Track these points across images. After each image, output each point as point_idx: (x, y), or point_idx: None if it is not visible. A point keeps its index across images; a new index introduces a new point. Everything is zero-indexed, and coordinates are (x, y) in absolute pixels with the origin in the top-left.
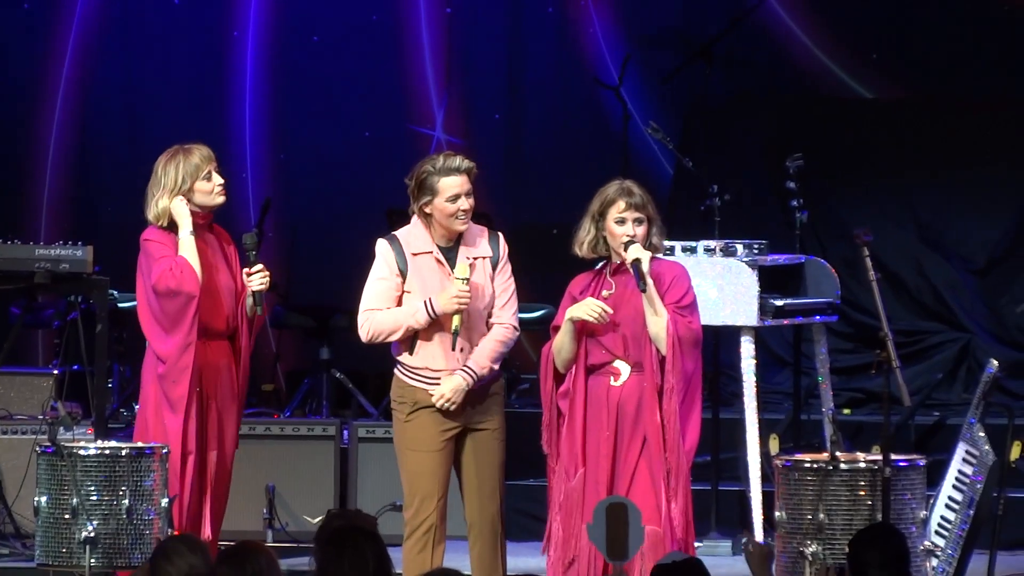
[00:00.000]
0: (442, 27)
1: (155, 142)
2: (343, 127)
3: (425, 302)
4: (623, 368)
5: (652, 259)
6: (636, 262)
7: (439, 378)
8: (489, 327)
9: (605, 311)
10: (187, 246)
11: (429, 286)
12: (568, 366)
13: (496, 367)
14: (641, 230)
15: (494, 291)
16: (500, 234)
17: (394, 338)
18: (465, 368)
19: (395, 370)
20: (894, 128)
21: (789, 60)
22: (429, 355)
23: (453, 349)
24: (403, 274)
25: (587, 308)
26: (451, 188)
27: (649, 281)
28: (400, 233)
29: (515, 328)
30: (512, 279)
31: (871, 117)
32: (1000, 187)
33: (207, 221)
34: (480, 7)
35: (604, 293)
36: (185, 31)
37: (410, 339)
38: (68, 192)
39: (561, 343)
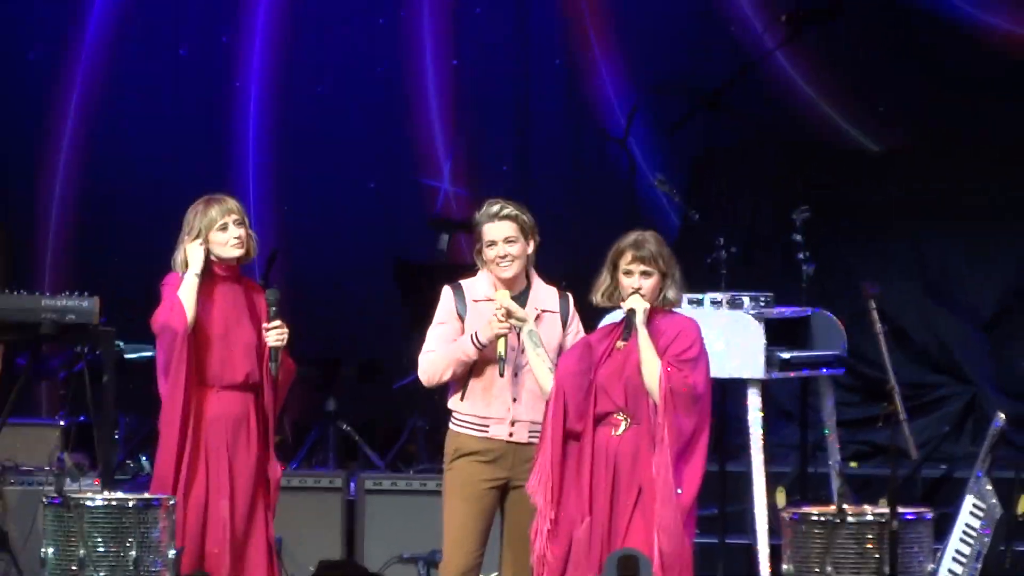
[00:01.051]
0: (448, 78)
1: (157, 193)
2: (348, 179)
3: (471, 334)
4: (623, 420)
5: (662, 313)
6: (630, 312)
7: (487, 426)
8: None
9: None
10: (186, 287)
11: None
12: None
13: None
14: (649, 283)
15: (562, 347)
16: (570, 295)
17: (447, 376)
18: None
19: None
20: (900, 180)
21: (795, 111)
22: (478, 402)
23: (501, 375)
24: (462, 319)
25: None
26: (489, 233)
27: (642, 331)
28: (465, 281)
29: None
30: (582, 331)
31: (878, 169)
32: (1006, 239)
33: (232, 274)
34: (487, 59)
35: (619, 344)
36: (188, 81)
37: (462, 386)
38: (71, 243)
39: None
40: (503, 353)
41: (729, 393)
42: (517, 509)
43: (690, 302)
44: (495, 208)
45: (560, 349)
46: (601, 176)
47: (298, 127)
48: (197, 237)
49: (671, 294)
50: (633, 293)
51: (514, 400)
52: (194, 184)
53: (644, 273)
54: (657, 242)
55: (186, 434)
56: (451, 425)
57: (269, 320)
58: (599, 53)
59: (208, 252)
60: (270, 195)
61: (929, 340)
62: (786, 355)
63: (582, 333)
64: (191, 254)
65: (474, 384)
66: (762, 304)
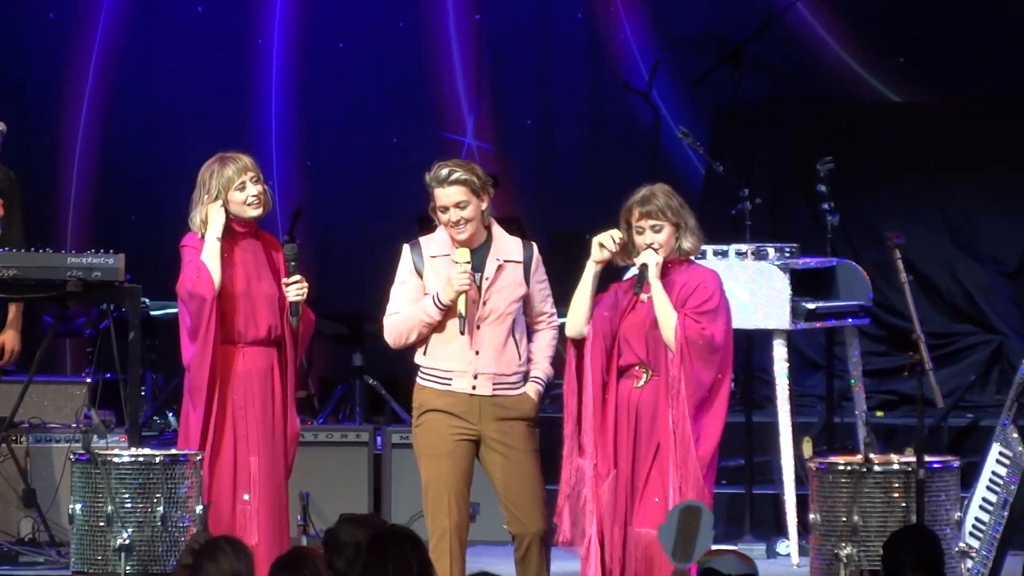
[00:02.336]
0: (471, 33)
1: (179, 151)
2: (371, 134)
3: (433, 295)
4: (644, 372)
5: (681, 264)
6: (642, 267)
7: (450, 379)
8: (524, 332)
9: (614, 239)
10: (209, 250)
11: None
12: (579, 330)
13: (552, 368)
14: (661, 236)
15: (528, 296)
16: (534, 244)
17: (413, 337)
18: (535, 379)
19: None
20: (924, 131)
21: (818, 63)
22: (440, 355)
23: (461, 332)
24: (421, 275)
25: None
26: (440, 199)
27: (656, 284)
28: (423, 238)
29: (556, 316)
30: (546, 280)
31: (901, 120)
32: None
33: (250, 229)
34: (509, 13)
35: (643, 297)
36: (209, 39)
37: (425, 341)
38: (94, 200)
39: (578, 296)
40: (463, 311)
41: (755, 344)
42: (499, 469)
43: (715, 253)
44: (444, 172)
45: (525, 299)
46: (624, 129)
47: (320, 83)
48: (216, 199)
49: (687, 244)
50: (647, 249)
51: (476, 353)
52: (216, 141)
53: (654, 228)
54: (665, 194)
55: (213, 393)
56: (417, 379)
57: (288, 275)
58: (621, 7)
59: (227, 210)
60: (293, 151)
61: (954, 289)
62: (811, 305)
63: (545, 277)
64: (212, 217)
65: (436, 338)
66: (787, 255)
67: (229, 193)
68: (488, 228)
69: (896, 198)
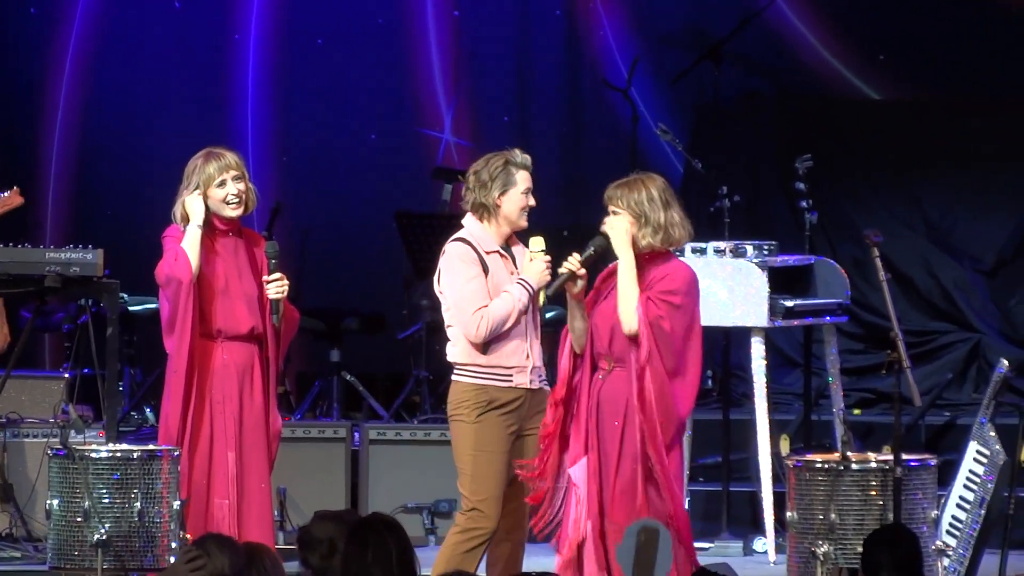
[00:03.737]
0: (450, 30)
1: (157, 145)
2: (349, 130)
3: (523, 284)
4: (608, 363)
5: (659, 257)
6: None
7: (511, 375)
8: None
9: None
10: (190, 238)
11: (497, 284)
12: (581, 344)
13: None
14: (618, 223)
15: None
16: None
17: (508, 326)
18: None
19: (455, 376)
20: (903, 129)
21: (797, 61)
22: (501, 353)
23: (543, 318)
24: (487, 272)
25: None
26: (525, 181)
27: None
28: (464, 234)
29: None
30: None
31: (880, 118)
32: (1008, 188)
33: (232, 227)
34: (488, 10)
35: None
36: (187, 35)
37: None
38: (72, 196)
39: (570, 318)
40: (544, 299)
41: (733, 341)
42: (518, 455)
43: (694, 251)
44: (527, 157)
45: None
46: (603, 126)
47: (298, 79)
48: (196, 190)
49: (644, 240)
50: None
51: (531, 347)
52: (194, 137)
53: (613, 213)
54: (629, 186)
55: (192, 385)
56: (468, 378)
57: (269, 273)
58: (600, 4)
59: (207, 205)
60: (269, 147)
61: (932, 288)
62: (789, 303)
63: None
64: (191, 207)
65: (495, 338)
66: (765, 252)
67: (209, 190)
68: None
69: (875, 196)
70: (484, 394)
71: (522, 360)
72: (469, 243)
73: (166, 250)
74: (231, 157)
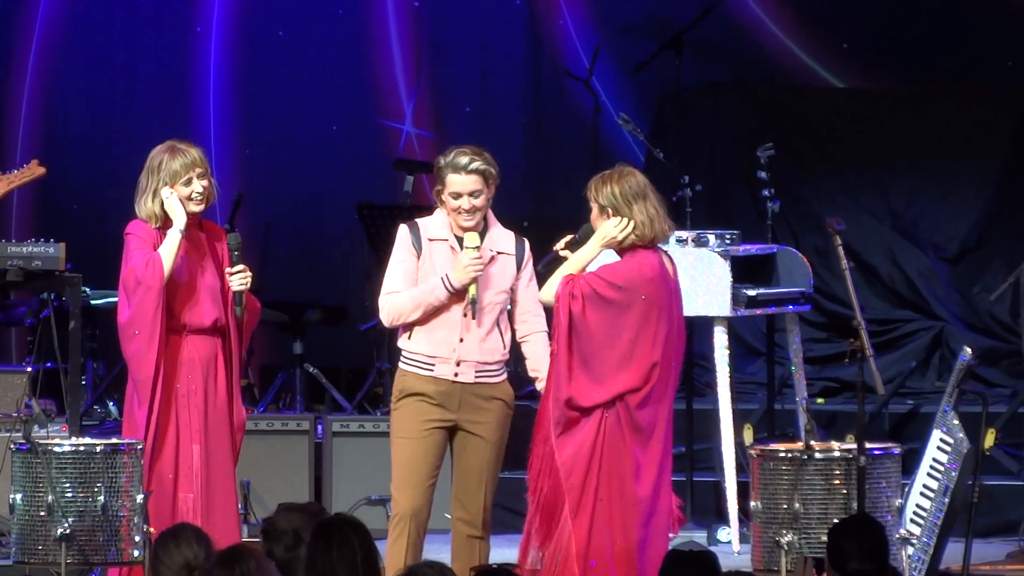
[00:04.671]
0: (410, 20)
1: (120, 139)
2: (311, 122)
3: (442, 277)
4: None
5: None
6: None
7: (433, 364)
8: (508, 322)
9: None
10: (171, 245)
11: (439, 272)
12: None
13: None
14: (609, 225)
15: (514, 290)
16: (526, 240)
17: (414, 317)
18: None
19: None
20: (866, 117)
21: (760, 49)
22: (424, 341)
23: (474, 317)
24: (419, 256)
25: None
26: (453, 185)
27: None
28: (421, 220)
29: (543, 320)
30: (536, 280)
31: (843, 106)
32: (971, 176)
33: (192, 220)
34: (448, 0)
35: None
36: (150, 27)
37: (410, 325)
38: (35, 189)
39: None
40: (474, 295)
41: (696, 331)
42: (466, 453)
43: None
44: (464, 160)
45: (512, 291)
46: (564, 116)
47: (260, 71)
48: (166, 187)
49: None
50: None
51: (460, 340)
52: (156, 130)
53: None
54: (604, 179)
55: (158, 381)
56: (399, 364)
57: (232, 265)
58: None
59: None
60: (232, 139)
61: (895, 276)
62: (752, 292)
63: (535, 278)
64: (172, 209)
65: (420, 325)
66: (728, 242)
67: (175, 187)
68: (486, 219)
69: (837, 184)
70: (404, 380)
71: (446, 351)
72: (413, 227)
73: (131, 250)
74: (195, 153)
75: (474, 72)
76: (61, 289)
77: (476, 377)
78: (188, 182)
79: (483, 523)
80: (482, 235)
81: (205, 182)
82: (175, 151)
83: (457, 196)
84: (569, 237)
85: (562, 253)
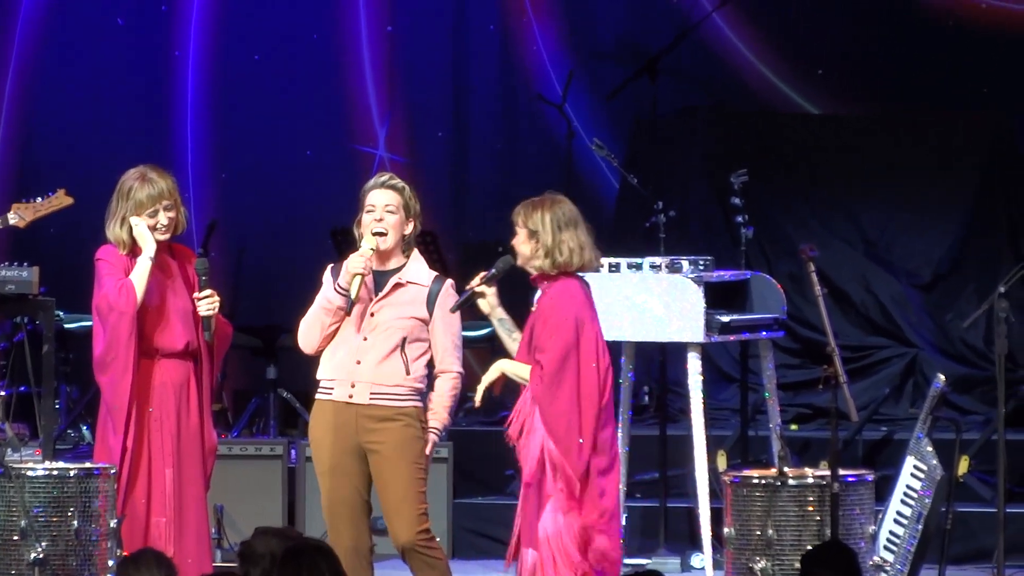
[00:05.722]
0: (383, 45)
1: (97, 162)
2: (285, 147)
3: (337, 287)
4: None
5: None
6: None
7: (332, 387)
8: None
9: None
10: (141, 272)
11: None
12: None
13: (451, 418)
14: (517, 240)
15: (429, 331)
16: (450, 280)
17: (317, 334)
18: (432, 429)
19: None
20: (840, 143)
21: (734, 75)
22: (328, 365)
23: (347, 313)
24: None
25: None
26: (370, 198)
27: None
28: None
29: (461, 374)
30: (458, 326)
31: (817, 132)
32: (945, 203)
33: (162, 244)
34: (422, 25)
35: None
36: (127, 51)
37: (320, 351)
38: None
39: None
40: (353, 292)
41: (669, 357)
42: (380, 478)
43: (629, 266)
44: (384, 177)
45: (424, 323)
46: (538, 142)
47: (236, 95)
48: (132, 216)
49: (536, 262)
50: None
51: (357, 363)
52: (135, 151)
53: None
54: (530, 204)
55: (132, 407)
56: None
57: (200, 289)
58: (534, 19)
59: None
60: (208, 163)
61: (869, 302)
62: (725, 318)
63: (452, 328)
64: (140, 234)
65: (325, 351)
66: (701, 268)
67: (141, 216)
68: (406, 257)
69: (811, 210)
70: (313, 409)
71: (343, 374)
72: (337, 267)
73: (103, 275)
74: (163, 184)
75: (447, 97)
76: (34, 313)
77: (371, 399)
78: (153, 213)
79: (406, 548)
80: (399, 268)
81: (172, 213)
82: (145, 180)
83: (371, 209)
84: (484, 274)
85: (478, 289)
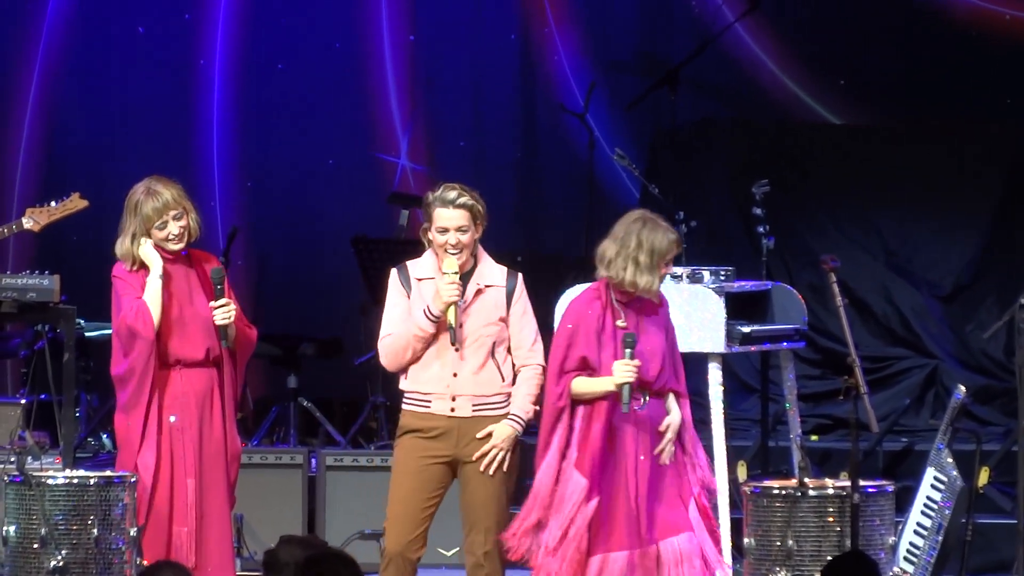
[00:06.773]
0: (406, 54)
1: (121, 171)
2: (308, 155)
3: (424, 308)
4: (643, 394)
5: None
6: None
7: (429, 401)
8: (511, 365)
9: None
10: (152, 292)
11: None
12: None
13: (536, 408)
14: None
15: (506, 324)
16: (520, 274)
17: (408, 356)
18: (512, 416)
19: None
20: (861, 154)
21: (755, 86)
22: (418, 379)
23: (452, 344)
24: (409, 296)
25: (625, 374)
26: (440, 219)
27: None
28: (410, 262)
29: (544, 367)
30: (533, 318)
31: (838, 143)
32: (966, 213)
33: (176, 253)
34: (444, 34)
35: (619, 323)
36: (151, 60)
37: (407, 364)
38: None
39: (591, 392)
40: (452, 322)
41: (690, 367)
42: (469, 486)
43: None
44: (452, 195)
45: (505, 323)
46: (558, 151)
47: (260, 104)
48: (140, 233)
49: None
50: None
51: (454, 375)
52: (158, 163)
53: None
54: None
55: (149, 417)
56: (402, 404)
57: (216, 298)
58: (555, 28)
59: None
60: (234, 171)
61: (890, 313)
62: (746, 329)
63: (529, 311)
64: (146, 256)
65: (414, 364)
66: (722, 278)
67: (151, 230)
68: (475, 256)
69: (832, 221)
70: (403, 418)
71: (440, 388)
72: (402, 269)
73: (120, 294)
74: (168, 195)
75: (468, 106)
76: (55, 321)
77: (474, 411)
78: (163, 225)
79: (486, 555)
80: (472, 271)
81: (182, 222)
82: (150, 193)
83: (444, 231)
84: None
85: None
